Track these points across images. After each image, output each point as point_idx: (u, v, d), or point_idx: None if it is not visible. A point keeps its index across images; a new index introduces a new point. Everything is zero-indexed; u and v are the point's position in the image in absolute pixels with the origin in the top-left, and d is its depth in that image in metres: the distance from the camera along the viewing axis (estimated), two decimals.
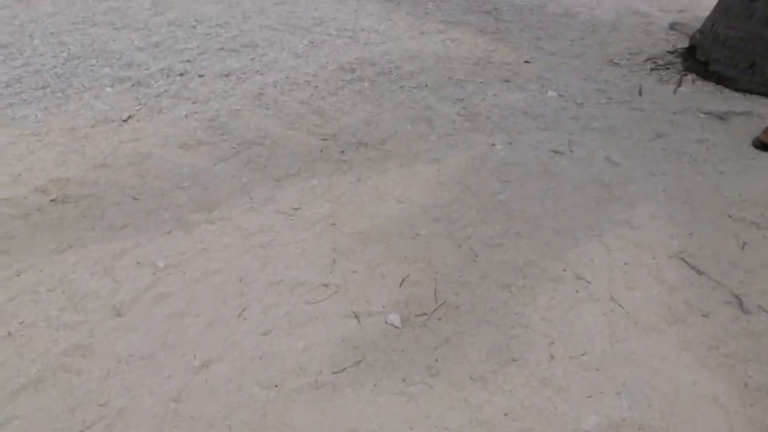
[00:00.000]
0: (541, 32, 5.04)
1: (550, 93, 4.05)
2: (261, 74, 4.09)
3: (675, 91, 4.16)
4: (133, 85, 3.90)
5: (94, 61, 4.14)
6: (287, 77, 4.07)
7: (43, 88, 3.83)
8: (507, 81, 4.17)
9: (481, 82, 4.14)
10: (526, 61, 4.50)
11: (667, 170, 3.37)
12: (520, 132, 3.62)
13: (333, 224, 2.89)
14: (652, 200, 3.14)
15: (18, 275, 2.55)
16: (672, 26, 5.23)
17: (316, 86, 3.97)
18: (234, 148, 3.39)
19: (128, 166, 3.23)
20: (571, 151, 3.47)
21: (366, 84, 4.04)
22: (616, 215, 3.02)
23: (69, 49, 4.29)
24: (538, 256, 2.75)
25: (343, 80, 4.06)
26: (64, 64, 4.10)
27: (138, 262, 2.65)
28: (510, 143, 3.51)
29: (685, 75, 4.33)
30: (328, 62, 4.29)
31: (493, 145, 3.48)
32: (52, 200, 2.98)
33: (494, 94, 4.00)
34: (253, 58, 4.28)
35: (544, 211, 3.02)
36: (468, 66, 4.36)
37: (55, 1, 5.05)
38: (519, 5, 5.57)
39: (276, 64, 4.24)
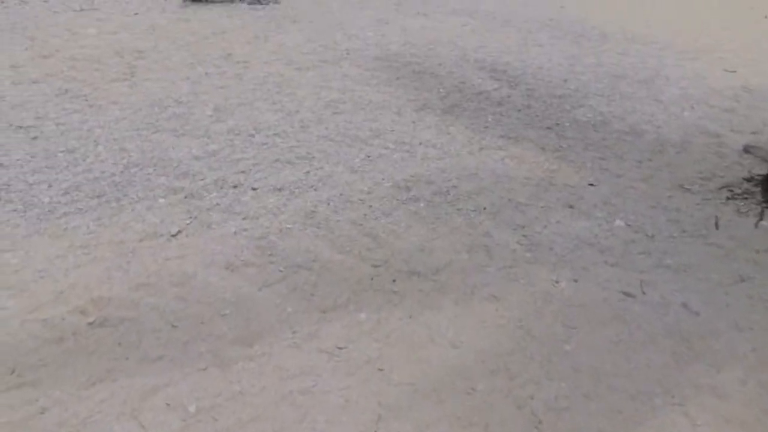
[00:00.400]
0: (605, 151, 4.85)
1: (618, 222, 3.79)
2: (315, 189, 4.01)
3: (756, 226, 3.83)
4: (185, 197, 3.87)
5: (151, 170, 4.18)
6: (341, 194, 3.97)
7: (99, 196, 3.85)
8: (571, 206, 3.95)
9: (543, 207, 3.93)
10: (590, 184, 4.28)
11: (754, 323, 3.00)
12: (586, 267, 3.35)
13: (380, 369, 2.64)
14: (740, 361, 2.77)
15: (41, 413, 2.38)
16: (746, 149, 4.95)
17: (370, 206, 3.85)
18: (281, 271, 3.24)
19: (171, 287, 3.11)
20: (644, 293, 3.16)
21: (421, 205, 3.89)
22: (700, 378, 2.66)
23: (129, 156, 4.36)
24: (610, 427, 2.41)
25: (398, 200, 3.93)
26: (122, 172, 4.14)
27: (168, 404, 2.45)
28: (575, 280, 3.24)
29: (767, 207, 4.01)
30: (383, 179, 4.19)
31: (557, 282, 3.22)
32: (89, 323, 2.86)
33: (557, 221, 3.77)
34: (308, 172, 4.23)
35: (616, 368, 2.69)
36: (529, 187, 4.17)
37: (123, 106, 5.23)
38: (582, 121, 5.43)
39: (331, 178, 4.16)
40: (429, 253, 3.41)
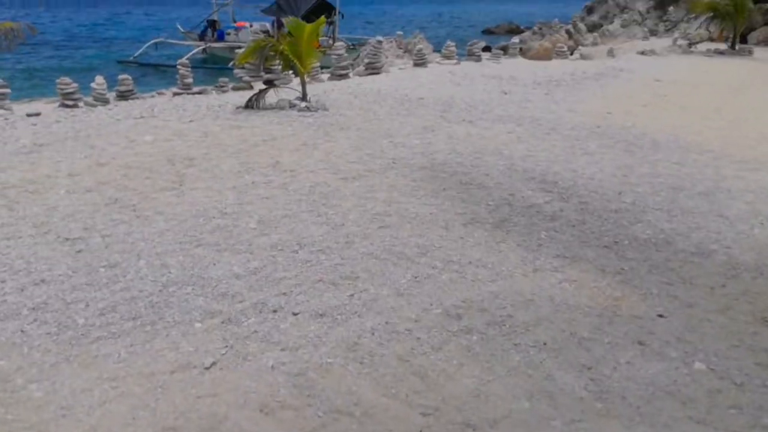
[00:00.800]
0: (672, 275, 4.47)
1: (698, 365, 3.37)
2: (359, 316, 3.76)
3: None
4: (222, 322, 3.67)
5: (189, 289, 4.02)
6: (387, 322, 3.69)
7: (134, 319, 3.68)
8: (641, 343, 3.55)
9: (609, 343, 3.55)
10: (659, 315, 3.89)
11: None
12: (667, 424, 2.91)
13: None
14: None
15: None
16: None
17: (418, 337, 3.55)
18: (320, 417, 2.92)
19: None
20: None
21: (474, 338, 3.56)
22: None
23: (170, 273, 4.24)
24: None
25: (448, 331, 3.62)
26: (161, 290, 4.00)
27: None
28: None
29: None
30: (432, 304, 3.91)
31: None
32: None
33: (627, 362, 3.37)
34: (352, 295, 4.00)
35: None
36: (591, 318, 3.81)
37: (169, 217, 5.21)
38: (642, 239, 5.09)
39: (376, 303, 3.91)
40: (485, 400, 3.05)
